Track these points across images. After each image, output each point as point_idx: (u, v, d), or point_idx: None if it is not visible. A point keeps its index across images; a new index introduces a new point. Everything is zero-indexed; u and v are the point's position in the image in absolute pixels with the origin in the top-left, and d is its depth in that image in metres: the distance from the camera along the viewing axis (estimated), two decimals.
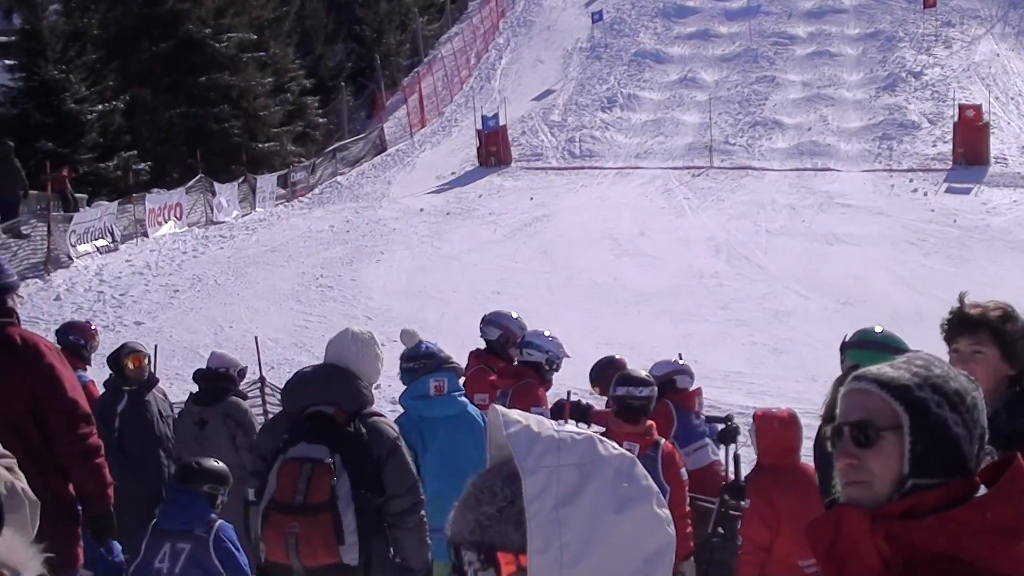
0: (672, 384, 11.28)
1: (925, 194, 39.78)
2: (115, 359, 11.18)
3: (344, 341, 7.11)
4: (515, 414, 2.19)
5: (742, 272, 29.86)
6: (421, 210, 39.37)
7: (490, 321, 12.01)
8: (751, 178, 43.00)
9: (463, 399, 8.87)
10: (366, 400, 7.02)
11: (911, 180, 41.79)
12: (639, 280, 29.06)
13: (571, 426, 2.21)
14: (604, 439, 2.19)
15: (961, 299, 4.86)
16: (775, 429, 8.83)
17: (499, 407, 2.22)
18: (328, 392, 6.89)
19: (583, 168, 46.32)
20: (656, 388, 9.41)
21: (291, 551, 6.67)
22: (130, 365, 11.11)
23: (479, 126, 48.15)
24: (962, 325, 4.74)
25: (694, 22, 61.79)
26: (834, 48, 56.96)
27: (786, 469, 8.70)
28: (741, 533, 8.92)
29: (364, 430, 6.84)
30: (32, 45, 42.34)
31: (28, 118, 41.25)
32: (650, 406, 9.24)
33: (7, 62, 43.34)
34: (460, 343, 23.32)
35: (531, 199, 40.48)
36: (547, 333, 10.73)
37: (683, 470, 9.27)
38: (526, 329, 11.78)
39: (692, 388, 11.57)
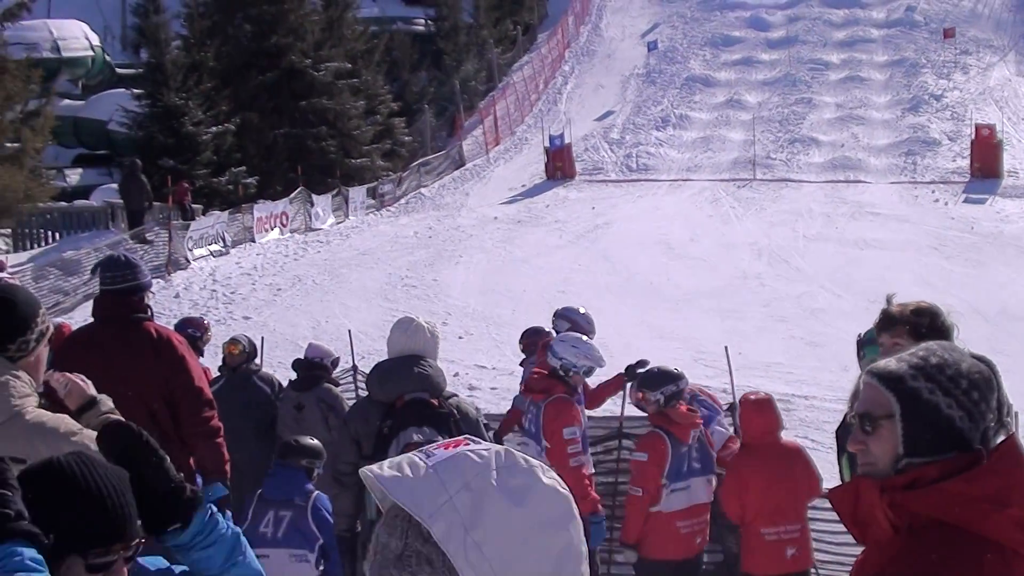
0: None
1: (945, 204, 39.50)
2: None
3: (418, 332, 7.09)
4: (386, 468, 2.01)
5: (782, 273, 29.67)
6: (495, 218, 39.39)
7: (561, 315, 12.00)
8: (790, 189, 42.77)
9: None
10: (444, 383, 7.07)
11: (933, 191, 41.48)
12: (689, 281, 28.93)
13: (438, 445, 2.07)
14: (473, 445, 2.04)
15: (888, 299, 4.85)
16: (751, 411, 8.87)
17: (368, 471, 2.03)
18: (418, 381, 6.89)
19: (639, 180, 46.21)
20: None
21: None
22: (229, 351, 11.30)
23: (547, 144, 48.15)
24: (884, 322, 4.73)
25: (739, 50, 61.58)
26: (864, 73, 56.62)
27: (764, 448, 8.72)
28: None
29: (455, 410, 6.92)
30: (156, 76, 42.93)
31: (152, 139, 41.88)
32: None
33: (135, 91, 44.01)
34: None
35: (592, 208, 40.41)
36: (584, 339, 9.58)
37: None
38: (592, 326, 11.74)
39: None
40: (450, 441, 2.08)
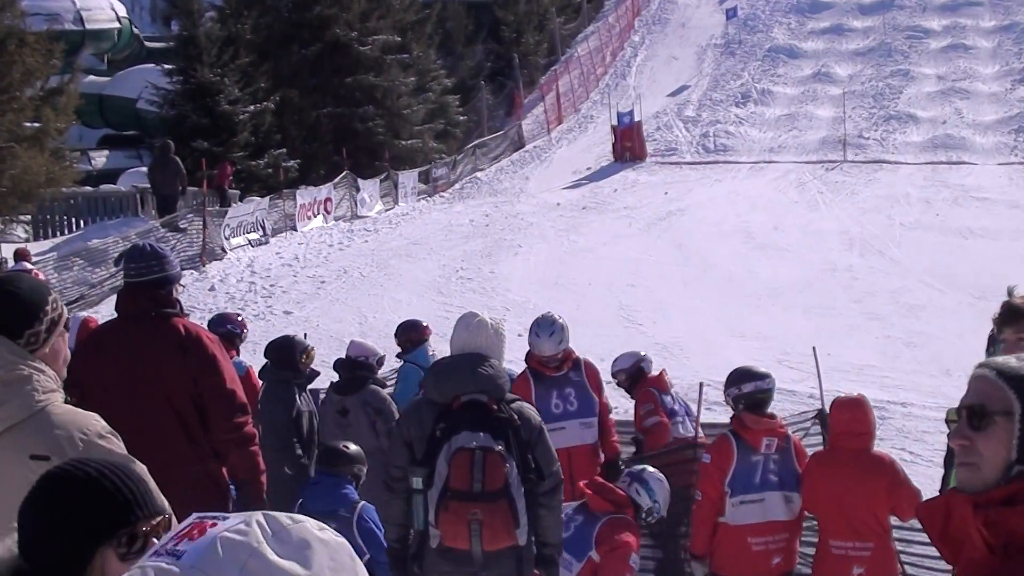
0: (642, 372, 12.02)
1: None
2: (285, 352, 11.21)
3: (481, 329, 7.12)
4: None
5: (875, 266, 29.46)
6: (558, 204, 39.38)
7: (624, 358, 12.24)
8: (885, 172, 42.44)
9: None
10: (508, 384, 7.10)
11: None
12: (772, 273, 28.80)
13: (176, 537, 1.96)
14: (220, 523, 1.95)
15: (1009, 292, 4.79)
16: (837, 408, 8.81)
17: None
18: (478, 381, 6.92)
19: (717, 163, 46.07)
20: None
21: (474, 537, 6.77)
22: (304, 360, 11.22)
23: (614, 122, 48.04)
24: (1007, 316, 4.66)
25: (828, 17, 61.09)
26: (969, 41, 55.99)
27: (847, 452, 8.62)
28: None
29: (515, 415, 6.93)
30: (189, 50, 43.20)
31: (185, 119, 42.17)
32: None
33: (166, 66, 44.27)
34: (594, 333, 23.46)
35: (665, 193, 40.32)
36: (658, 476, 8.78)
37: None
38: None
39: (657, 372, 12.21)
40: (185, 528, 1.98)
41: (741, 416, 8.91)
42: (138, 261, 7.15)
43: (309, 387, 11.49)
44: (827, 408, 9.60)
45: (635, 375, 12.04)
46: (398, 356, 12.98)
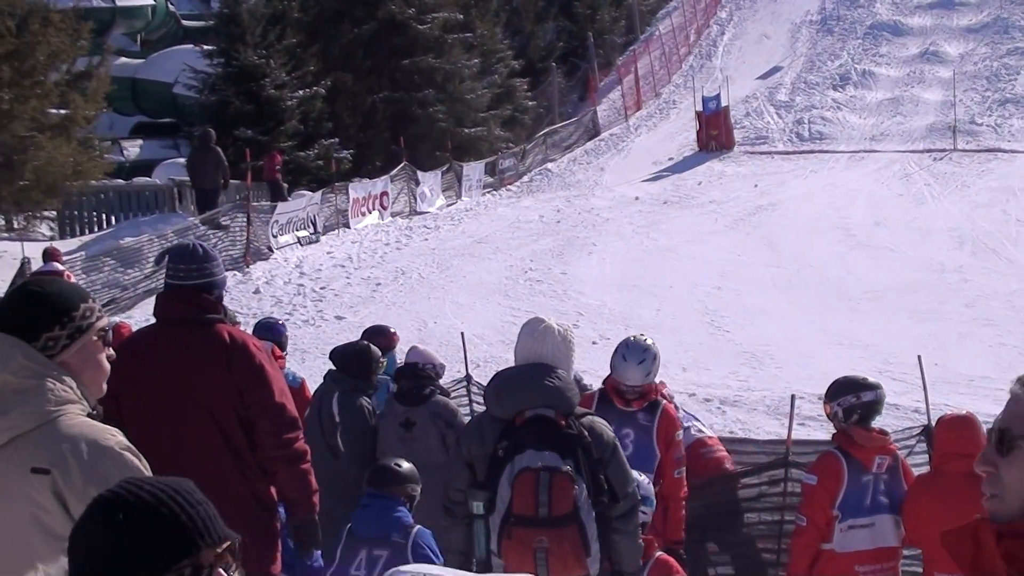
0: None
1: None
2: (363, 359, 11.28)
3: (547, 336, 7.03)
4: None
5: (989, 266, 29.24)
6: (636, 198, 39.37)
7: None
8: (1000, 161, 42.09)
9: None
10: (578, 398, 7.00)
11: None
12: (874, 274, 28.65)
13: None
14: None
15: None
16: (943, 427, 8.71)
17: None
18: (544, 394, 6.81)
19: (812, 152, 45.88)
20: None
21: (540, 566, 6.67)
22: (376, 370, 11.28)
23: (699, 108, 47.98)
24: None
25: None
26: None
27: (954, 475, 8.50)
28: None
29: (585, 432, 6.83)
30: (231, 30, 43.31)
31: (227, 105, 42.19)
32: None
33: (206, 47, 44.43)
34: (677, 340, 23.43)
35: (755, 186, 40.21)
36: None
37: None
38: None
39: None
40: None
41: (850, 431, 8.82)
42: (187, 262, 7.13)
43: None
44: (933, 424, 9.51)
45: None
46: None
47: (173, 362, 6.99)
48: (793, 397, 11.18)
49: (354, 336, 14.68)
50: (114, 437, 4.32)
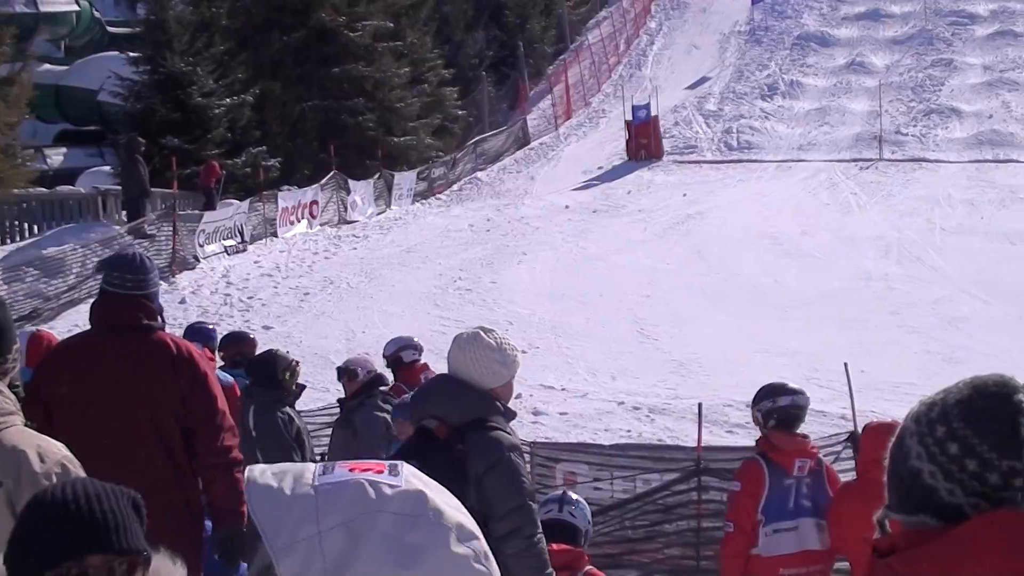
0: (399, 360, 12.52)
1: None
2: (268, 370, 11.25)
3: (455, 344, 6.76)
4: (268, 474, 1.90)
5: (914, 274, 29.51)
6: (566, 207, 39.44)
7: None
8: (925, 171, 42.51)
9: None
10: (478, 411, 6.57)
11: None
12: (801, 283, 28.84)
13: (345, 464, 1.93)
14: (387, 475, 1.90)
15: None
16: (866, 435, 8.81)
17: (248, 473, 1.92)
18: (435, 404, 6.61)
19: (741, 161, 46.14)
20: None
21: None
22: (288, 377, 11.24)
23: (628, 117, 48.12)
24: None
25: (863, 1, 61.24)
26: (1019, 27, 56.12)
27: (880, 486, 8.51)
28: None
29: (468, 446, 6.42)
30: (157, 36, 42.88)
31: (153, 113, 41.72)
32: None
33: (132, 54, 44.00)
34: (606, 349, 23.53)
35: (684, 195, 40.38)
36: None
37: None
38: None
39: (419, 362, 12.64)
40: (366, 463, 1.96)
41: (769, 435, 8.89)
42: (128, 272, 7.07)
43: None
44: (859, 431, 9.59)
45: (393, 363, 12.63)
46: (221, 369, 12.97)
47: (116, 369, 6.95)
48: (700, 405, 11.27)
49: (281, 346, 14.66)
50: (61, 450, 4.34)
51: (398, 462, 2.02)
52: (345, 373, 12.04)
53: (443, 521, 1.90)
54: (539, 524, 6.62)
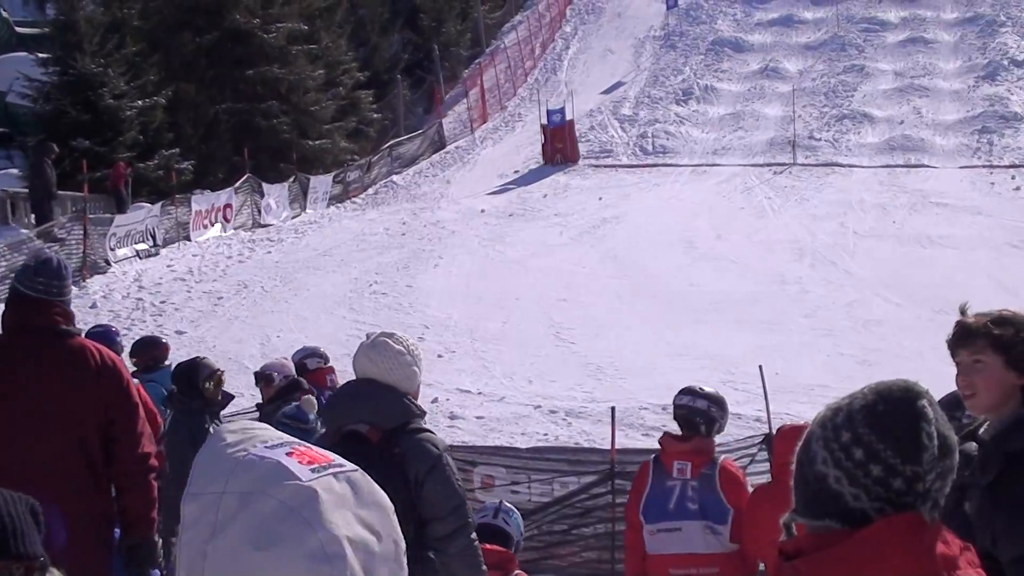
0: (304, 367, 12.71)
1: None
2: (189, 378, 11.13)
3: (363, 353, 6.73)
4: (231, 428, 2.04)
5: (828, 277, 29.72)
6: (482, 211, 39.41)
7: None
8: (838, 176, 42.84)
9: None
10: (406, 414, 6.68)
11: (1013, 177, 41.42)
12: (716, 286, 28.97)
13: (298, 446, 2.04)
14: (320, 468, 2.01)
15: (962, 310, 4.81)
16: (779, 438, 8.88)
17: (228, 423, 2.05)
18: (362, 409, 6.63)
19: (656, 166, 46.28)
20: (725, 413, 9.19)
21: None
22: (210, 386, 11.13)
23: (544, 121, 48.17)
24: (960, 336, 4.70)
25: (776, 7, 61.66)
26: (929, 34, 56.66)
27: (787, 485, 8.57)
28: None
29: (404, 449, 6.52)
30: (67, 37, 42.37)
31: (63, 115, 41.22)
32: (712, 423, 9.02)
33: (40, 55, 43.51)
34: (523, 353, 23.54)
35: (600, 199, 40.45)
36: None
37: (748, 487, 9.13)
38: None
39: (323, 368, 12.97)
40: (319, 453, 2.06)
41: (661, 436, 9.01)
42: (48, 277, 7.03)
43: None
44: (774, 433, 9.62)
45: (299, 369, 12.77)
46: (134, 375, 12.93)
47: (34, 373, 6.88)
48: (613, 409, 11.30)
49: (195, 352, 14.57)
50: None
51: (354, 468, 2.13)
52: (262, 378, 12.00)
53: (317, 526, 1.94)
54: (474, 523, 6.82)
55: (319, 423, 10.04)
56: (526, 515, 12.24)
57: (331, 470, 2.07)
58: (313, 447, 2.14)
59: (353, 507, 2.08)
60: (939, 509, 2.70)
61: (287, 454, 2.01)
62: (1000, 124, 47.07)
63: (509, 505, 8.00)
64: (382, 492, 2.19)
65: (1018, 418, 4.54)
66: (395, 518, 2.21)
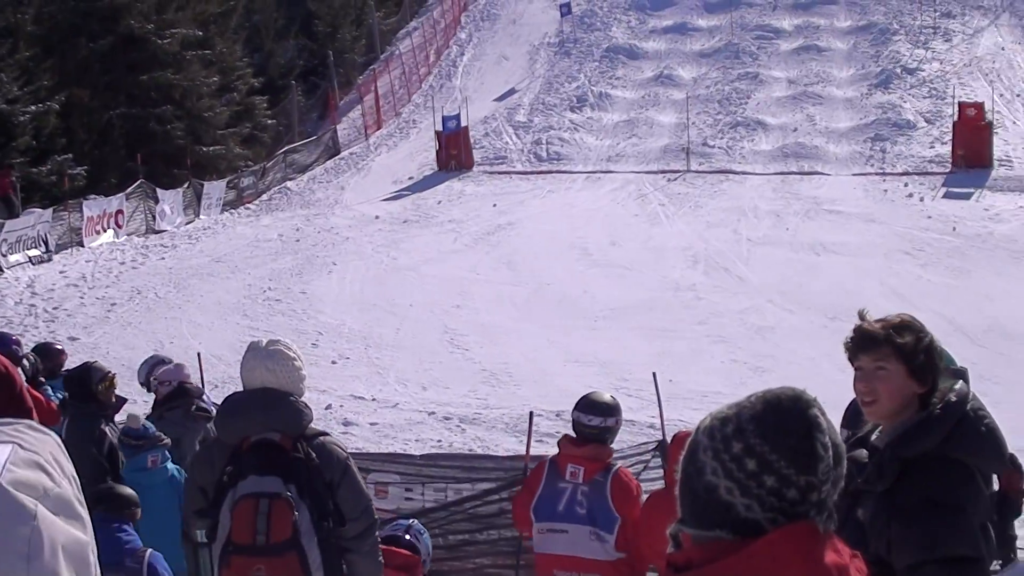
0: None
1: (921, 199, 39.80)
2: (81, 382, 11.00)
3: (259, 362, 6.77)
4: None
5: (721, 284, 29.88)
6: (376, 218, 39.30)
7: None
8: (731, 183, 43.08)
9: (170, 465, 10.80)
10: (307, 419, 6.79)
11: (906, 184, 41.82)
12: (610, 293, 29.04)
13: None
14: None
15: (861, 315, 4.83)
16: (675, 446, 8.93)
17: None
18: (268, 418, 6.64)
19: (550, 172, 46.34)
20: (619, 419, 9.22)
21: None
22: (103, 388, 11.00)
23: (439, 127, 48.10)
24: (862, 341, 4.71)
25: (671, 15, 61.84)
26: (823, 42, 57.08)
27: None
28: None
29: (314, 454, 6.64)
30: None
31: None
32: (606, 435, 9.04)
33: None
34: (417, 359, 23.49)
35: (494, 206, 40.46)
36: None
37: (641, 498, 9.14)
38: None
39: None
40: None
41: (560, 440, 9.05)
42: None
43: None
44: (669, 439, 9.65)
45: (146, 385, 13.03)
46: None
47: None
48: (532, 414, 11.30)
49: (89, 358, 14.38)
50: None
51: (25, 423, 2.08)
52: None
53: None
54: None
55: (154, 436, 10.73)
56: (427, 521, 12.23)
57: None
58: None
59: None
60: (833, 518, 2.70)
61: None
62: (893, 132, 47.45)
63: (420, 525, 8.09)
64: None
65: (914, 425, 4.57)
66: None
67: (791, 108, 50.86)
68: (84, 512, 2.06)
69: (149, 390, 12.52)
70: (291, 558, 6.43)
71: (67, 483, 2.06)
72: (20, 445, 2.00)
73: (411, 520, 8.26)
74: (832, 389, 4.43)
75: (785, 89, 52.70)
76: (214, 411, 11.19)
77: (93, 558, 2.07)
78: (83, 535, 2.03)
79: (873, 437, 4.71)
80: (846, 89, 52.27)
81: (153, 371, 12.79)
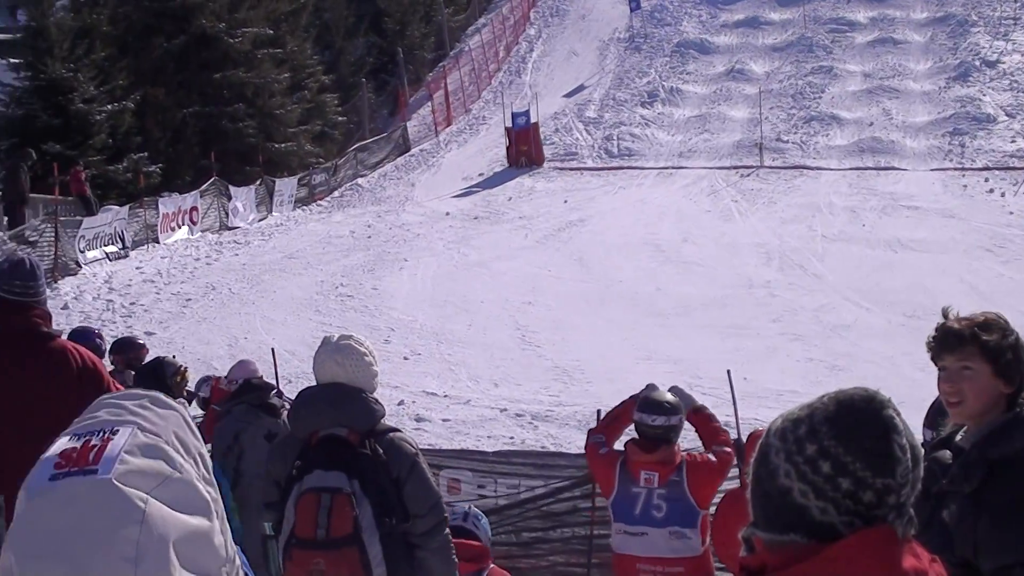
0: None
1: (1002, 195, 39.30)
2: (156, 376, 11.12)
3: (329, 356, 6.86)
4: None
5: (796, 281, 29.69)
6: (447, 214, 39.36)
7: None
8: (806, 178, 42.82)
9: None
10: (378, 415, 6.85)
11: (986, 180, 41.35)
12: (683, 290, 28.94)
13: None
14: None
15: (945, 313, 4.75)
16: (750, 445, 8.83)
17: None
18: (338, 413, 6.74)
19: (621, 168, 46.24)
20: (682, 416, 9.14)
21: None
22: (178, 381, 11.15)
23: (509, 124, 48.13)
24: (946, 340, 4.63)
25: (742, 8, 61.56)
26: (899, 35, 56.57)
27: None
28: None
29: (381, 449, 6.70)
30: (38, 43, 42.42)
31: (34, 119, 41.31)
32: (671, 434, 9.00)
33: (12, 60, 43.47)
34: (488, 356, 23.50)
35: (565, 202, 40.43)
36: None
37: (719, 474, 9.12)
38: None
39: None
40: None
41: (627, 444, 8.98)
42: (23, 279, 7.02)
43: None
44: (743, 439, 9.59)
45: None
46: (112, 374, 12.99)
47: (17, 377, 6.83)
48: (600, 412, 11.23)
49: (163, 352, 14.52)
50: None
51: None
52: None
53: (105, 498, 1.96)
54: None
55: None
56: (496, 518, 12.24)
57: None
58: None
59: None
60: (913, 522, 2.67)
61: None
62: (972, 126, 46.89)
63: (477, 510, 8.06)
64: None
65: (1001, 425, 4.50)
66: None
67: (866, 102, 50.44)
68: (209, 492, 2.06)
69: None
70: (351, 552, 6.47)
71: (190, 465, 2.06)
72: (140, 426, 2.01)
73: (468, 507, 8.22)
74: (912, 388, 4.39)
75: (860, 83, 52.29)
76: (287, 406, 11.24)
77: (220, 539, 2.07)
78: (204, 521, 2.04)
79: (958, 438, 4.65)
80: (923, 83, 51.74)
81: (200, 388, 12.95)
